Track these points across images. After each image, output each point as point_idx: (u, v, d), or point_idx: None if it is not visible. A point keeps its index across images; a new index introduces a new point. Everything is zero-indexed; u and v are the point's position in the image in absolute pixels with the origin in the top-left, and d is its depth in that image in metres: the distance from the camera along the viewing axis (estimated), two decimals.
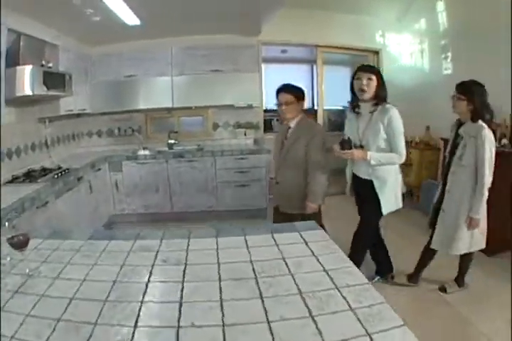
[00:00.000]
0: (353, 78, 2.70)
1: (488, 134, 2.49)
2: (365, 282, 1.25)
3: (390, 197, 2.75)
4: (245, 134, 5.55)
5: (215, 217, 4.82)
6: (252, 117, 5.51)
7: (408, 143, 5.25)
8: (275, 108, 2.96)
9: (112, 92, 4.95)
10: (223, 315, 1.10)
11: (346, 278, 1.26)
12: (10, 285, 1.38)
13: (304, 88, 2.86)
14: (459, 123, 2.72)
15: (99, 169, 4.50)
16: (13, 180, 3.37)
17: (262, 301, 1.16)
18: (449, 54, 4.77)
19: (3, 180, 3.28)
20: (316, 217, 2.66)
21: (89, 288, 1.34)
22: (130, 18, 3.89)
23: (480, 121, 2.54)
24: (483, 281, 3.13)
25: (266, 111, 5.61)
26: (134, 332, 1.06)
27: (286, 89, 2.77)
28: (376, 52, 5.90)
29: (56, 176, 3.41)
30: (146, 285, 1.33)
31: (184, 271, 1.42)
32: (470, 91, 2.54)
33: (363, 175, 2.77)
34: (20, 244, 1.47)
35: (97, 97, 4.91)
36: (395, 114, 2.58)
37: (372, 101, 2.64)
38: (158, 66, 4.95)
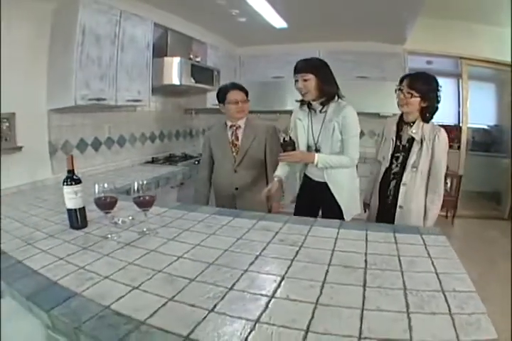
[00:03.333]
0: None
1: (446, 137, 2.09)
2: (472, 290, 1.12)
3: (350, 202, 2.37)
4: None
5: None
6: None
7: None
8: None
9: (259, 92, 4.95)
10: (320, 294, 1.06)
11: (455, 283, 1.15)
12: (122, 239, 1.48)
13: None
14: (400, 122, 2.24)
15: None
16: (153, 161, 3.71)
17: (364, 290, 1.10)
18: None
19: (142, 160, 3.64)
20: None
21: (200, 251, 1.38)
22: (277, 21, 3.91)
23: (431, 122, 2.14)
24: None
25: None
26: (226, 293, 1.06)
27: (240, 87, 2.60)
28: None
29: (196, 162, 3.62)
30: (256, 258, 1.32)
31: (297, 251, 1.38)
32: (426, 87, 2.07)
33: (318, 177, 2.37)
34: (145, 203, 1.52)
35: None
36: (350, 112, 2.21)
37: (320, 100, 2.26)
38: None
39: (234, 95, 2.52)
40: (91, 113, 2.93)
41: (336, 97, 2.27)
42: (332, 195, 2.32)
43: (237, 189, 2.57)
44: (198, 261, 1.28)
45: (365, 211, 2.60)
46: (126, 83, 2.90)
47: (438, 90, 2.11)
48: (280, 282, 1.13)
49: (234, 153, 2.57)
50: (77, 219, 1.59)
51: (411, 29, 4.24)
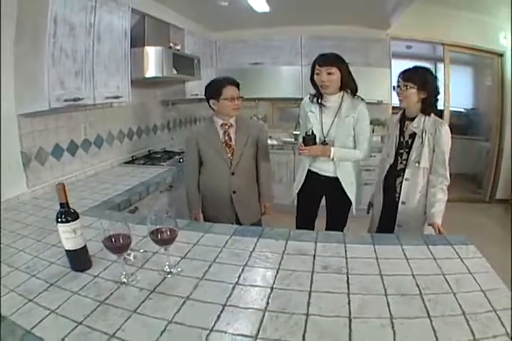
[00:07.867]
0: (312, 71, 2.34)
1: (448, 131, 2.09)
2: None
3: (358, 195, 2.48)
4: (373, 131, 5.10)
5: None
6: (379, 114, 4.90)
7: None
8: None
9: (237, 79, 4.79)
10: (394, 335, 0.98)
11: (502, 300, 1.13)
12: (143, 283, 1.22)
13: None
14: (403, 118, 2.26)
15: None
16: (133, 160, 3.39)
17: (431, 321, 1.03)
18: None
19: (121, 160, 3.32)
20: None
21: (243, 293, 1.16)
22: (259, 5, 3.67)
23: (433, 115, 2.14)
24: None
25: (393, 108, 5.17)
26: None
27: (236, 82, 2.42)
28: (500, 55, 5.15)
29: (182, 160, 3.34)
30: (309, 295, 1.15)
31: (348, 281, 1.24)
32: (422, 78, 2.07)
33: (326, 172, 2.42)
34: (166, 240, 1.25)
35: None
36: (365, 108, 2.34)
37: (338, 93, 2.35)
38: (286, 55, 4.70)
39: (231, 91, 2.33)
40: (65, 113, 2.57)
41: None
42: (341, 188, 2.37)
43: (234, 192, 2.42)
44: (248, 308, 1.08)
45: (367, 212, 2.59)
46: (104, 78, 2.53)
47: (434, 81, 2.12)
48: (349, 325, 1.01)
49: (229, 154, 2.40)
50: (80, 260, 1.31)
51: (398, 14, 4.13)
